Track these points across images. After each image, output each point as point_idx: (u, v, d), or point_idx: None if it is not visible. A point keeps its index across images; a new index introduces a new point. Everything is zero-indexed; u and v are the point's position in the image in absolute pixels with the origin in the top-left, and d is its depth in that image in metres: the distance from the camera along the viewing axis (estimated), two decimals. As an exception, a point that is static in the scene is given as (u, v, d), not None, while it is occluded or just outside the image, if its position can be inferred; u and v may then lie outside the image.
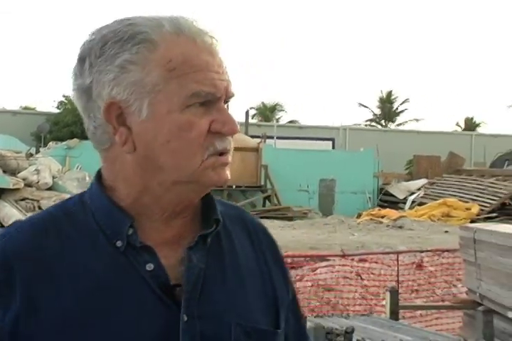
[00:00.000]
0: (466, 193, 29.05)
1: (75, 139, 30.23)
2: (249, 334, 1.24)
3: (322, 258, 11.82)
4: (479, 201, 27.74)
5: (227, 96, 1.22)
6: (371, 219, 26.07)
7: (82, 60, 1.21)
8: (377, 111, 67.79)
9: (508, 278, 5.87)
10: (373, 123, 66.56)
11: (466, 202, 27.70)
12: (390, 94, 67.68)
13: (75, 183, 21.35)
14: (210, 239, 1.27)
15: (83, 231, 1.21)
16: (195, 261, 1.22)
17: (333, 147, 43.01)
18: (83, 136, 33.26)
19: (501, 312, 6.06)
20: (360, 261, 11.40)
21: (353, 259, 11.25)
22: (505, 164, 37.18)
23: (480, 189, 29.09)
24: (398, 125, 65.28)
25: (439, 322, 9.40)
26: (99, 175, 1.27)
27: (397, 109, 67.54)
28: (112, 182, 1.24)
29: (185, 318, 1.17)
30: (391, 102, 67.36)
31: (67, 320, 1.14)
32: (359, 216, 27.49)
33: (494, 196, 27.95)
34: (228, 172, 1.23)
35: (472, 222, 22.14)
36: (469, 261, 6.93)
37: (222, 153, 1.21)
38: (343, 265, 11.02)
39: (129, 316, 1.16)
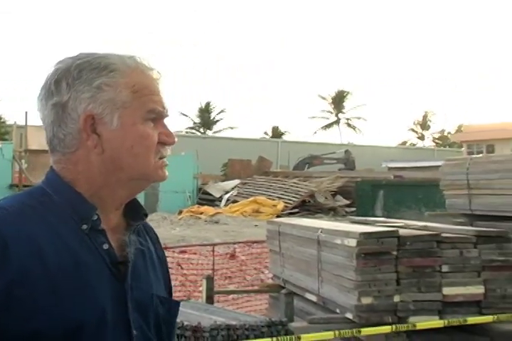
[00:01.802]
0: (273, 192, 29.85)
1: None
2: (162, 302, 1.46)
3: (146, 250, 11.69)
4: (284, 199, 28.57)
5: (166, 115, 1.45)
6: (191, 215, 26.14)
7: (58, 81, 1.38)
8: (197, 120, 68.27)
9: (306, 265, 6.06)
10: (193, 131, 66.92)
11: (273, 199, 28.45)
12: (208, 104, 68.34)
13: None
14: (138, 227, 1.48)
15: (58, 217, 1.35)
16: (136, 244, 1.43)
17: (158, 151, 42.76)
18: None
19: (300, 293, 6.26)
20: (181, 252, 11.40)
21: (174, 251, 11.22)
22: (306, 167, 38.58)
23: (284, 188, 29.99)
24: (215, 132, 66.06)
25: (248, 305, 9.59)
26: (56, 174, 1.40)
27: (214, 118, 68.31)
28: (72, 180, 1.39)
29: (130, 289, 1.38)
30: (209, 112, 68.04)
31: (54, 285, 1.28)
32: (180, 213, 27.47)
33: (296, 194, 28.90)
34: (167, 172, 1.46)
35: (278, 217, 22.72)
36: (274, 250, 7.10)
37: (162, 157, 1.43)
38: (166, 256, 10.97)
39: (97, 283, 1.33)
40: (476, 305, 5.18)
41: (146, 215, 1.50)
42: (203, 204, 29.99)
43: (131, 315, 1.37)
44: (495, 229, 5.64)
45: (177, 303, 1.53)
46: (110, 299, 1.34)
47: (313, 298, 5.94)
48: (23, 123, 28.73)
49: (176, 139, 1.46)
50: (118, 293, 1.36)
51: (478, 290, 5.16)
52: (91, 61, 1.40)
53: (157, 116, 1.42)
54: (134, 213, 1.47)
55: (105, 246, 1.37)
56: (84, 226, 1.35)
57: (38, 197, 1.38)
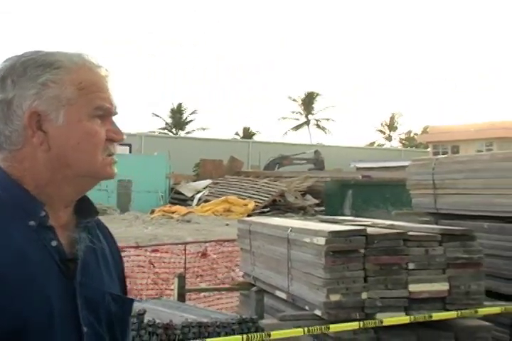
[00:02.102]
0: (244, 191, 29.88)
1: None
2: (115, 300, 1.44)
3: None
4: (255, 198, 28.63)
5: (115, 113, 1.43)
6: (163, 214, 26.07)
7: (3, 79, 1.36)
8: (169, 121, 68.07)
9: (276, 263, 6.06)
10: (166, 131, 66.69)
11: (244, 199, 28.49)
12: (180, 106, 68.19)
13: None
14: (89, 225, 1.45)
15: (5, 214, 1.32)
16: (87, 241, 1.40)
17: (130, 151, 42.54)
18: None
19: (270, 291, 6.26)
20: (153, 251, 11.35)
21: (146, 250, 11.17)
22: (276, 167, 38.70)
23: (255, 188, 30.05)
24: (187, 133, 65.96)
25: (219, 302, 9.58)
26: (3, 172, 1.37)
27: (186, 119, 68.17)
28: (19, 177, 1.36)
29: (79, 286, 1.35)
30: (181, 113, 67.88)
31: (1, 284, 1.25)
32: (152, 212, 27.39)
33: (267, 194, 28.97)
34: (116, 169, 1.42)
35: (249, 216, 22.74)
36: (245, 249, 7.09)
37: (111, 154, 1.40)
38: (138, 255, 10.92)
39: (45, 281, 1.30)
40: (440, 302, 5.23)
41: (96, 212, 1.47)
42: (175, 204, 29.93)
43: (80, 312, 1.34)
44: (459, 228, 5.70)
45: (131, 301, 1.52)
46: (59, 296, 1.32)
47: (283, 296, 5.95)
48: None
49: (125, 136, 1.44)
50: (67, 291, 1.33)
51: (443, 287, 5.21)
52: (36, 58, 1.38)
53: (105, 113, 1.39)
54: (85, 211, 1.45)
55: (54, 243, 1.34)
56: (32, 223, 1.33)
57: None
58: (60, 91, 1.36)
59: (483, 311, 5.33)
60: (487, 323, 5.41)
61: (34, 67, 1.37)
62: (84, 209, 1.45)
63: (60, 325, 1.31)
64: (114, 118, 1.43)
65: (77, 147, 1.36)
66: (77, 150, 1.36)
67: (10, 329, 1.24)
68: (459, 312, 5.17)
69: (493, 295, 5.93)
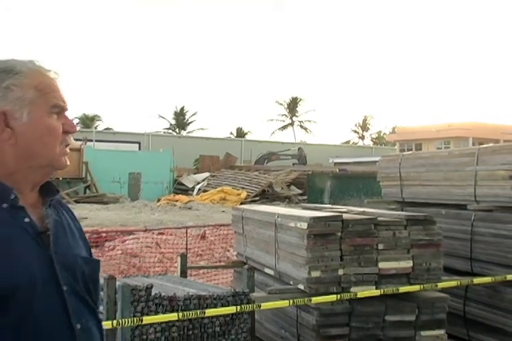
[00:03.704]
0: (237, 183, 29.84)
1: None
2: (86, 262, 1.46)
3: (130, 232, 11.62)
4: (247, 189, 28.58)
5: (67, 109, 1.44)
6: (168, 202, 25.99)
7: None
8: (173, 122, 67.79)
9: (265, 244, 6.07)
10: (170, 131, 66.45)
11: (238, 189, 28.44)
12: (182, 108, 67.89)
13: None
14: (54, 202, 1.47)
15: None
16: (54, 216, 1.42)
17: (140, 148, 42.40)
18: None
19: (260, 268, 6.26)
20: (159, 234, 11.33)
21: (153, 233, 11.16)
22: (265, 162, 38.65)
23: (247, 180, 30.00)
24: (189, 132, 65.65)
25: (216, 278, 9.57)
26: None
27: (188, 120, 67.90)
28: None
29: (54, 254, 1.37)
30: (183, 115, 67.61)
31: None
32: (159, 200, 27.30)
33: (257, 185, 28.94)
34: (68, 160, 1.45)
35: (241, 204, 22.74)
36: (239, 232, 7.09)
37: (67, 145, 1.43)
38: (146, 237, 10.91)
39: (23, 252, 1.32)
40: (405, 277, 5.25)
41: (57, 191, 1.50)
42: (178, 193, 29.85)
43: (59, 275, 1.36)
44: (422, 214, 5.72)
45: (98, 261, 1.54)
46: (38, 264, 1.33)
47: (271, 272, 5.95)
48: None
49: (78, 128, 1.45)
50: (45, 259, 1.35)
51: (408, 264, 5.23)
52: None
53: (60, 109, 1.42)
54: (49, 190, 1.47)
55: (26, 220, 1.36)
56: (5, 205, 1.34)
57: None
58: (22, 93, 1.37)
59: (441, 285, 5.36)
60: (444, 295, 5.45)
61: None
62: (48, 189, 1.47)
63: (42, 287, 1.32)
64: (67, 113, 1.45)
65: (40, 140, 1.38)
66: (40, 143, 1.38)
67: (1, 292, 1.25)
68: (422, 285, 5.20)
69: (450, 271, 5.97)
